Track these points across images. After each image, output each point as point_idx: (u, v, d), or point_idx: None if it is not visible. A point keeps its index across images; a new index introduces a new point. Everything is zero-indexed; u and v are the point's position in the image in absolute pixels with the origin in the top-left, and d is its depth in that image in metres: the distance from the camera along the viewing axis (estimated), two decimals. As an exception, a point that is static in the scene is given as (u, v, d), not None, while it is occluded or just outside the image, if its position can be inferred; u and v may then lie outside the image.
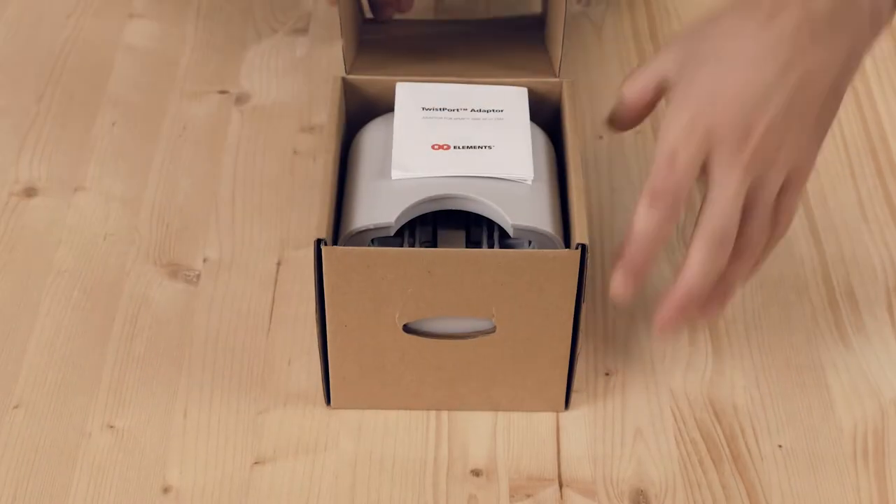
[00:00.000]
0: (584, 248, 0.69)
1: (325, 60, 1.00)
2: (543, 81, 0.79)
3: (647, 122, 0.95)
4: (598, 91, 0.98)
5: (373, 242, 0.72)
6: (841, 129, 0.95)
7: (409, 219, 0.72)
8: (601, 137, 0.94)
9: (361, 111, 0.80)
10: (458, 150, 0.75)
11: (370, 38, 0.85)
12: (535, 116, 0.79)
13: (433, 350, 0.72)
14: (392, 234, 0.71)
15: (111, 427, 0.75)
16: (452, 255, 0.69)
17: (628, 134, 0.94)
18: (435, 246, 0.74)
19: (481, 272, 0.69)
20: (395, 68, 0.81)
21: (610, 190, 0.90)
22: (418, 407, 0.75)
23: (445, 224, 0.75)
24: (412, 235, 0.74)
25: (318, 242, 0.69)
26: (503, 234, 0.72)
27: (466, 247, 0.74)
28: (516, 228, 0.71)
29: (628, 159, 0.93)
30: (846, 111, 0.96)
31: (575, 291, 0.70)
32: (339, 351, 0.73)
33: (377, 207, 0.72)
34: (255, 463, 0.73)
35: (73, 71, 0.99)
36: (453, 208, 0.73)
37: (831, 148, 0.94)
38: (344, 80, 0.79)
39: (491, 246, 0.73)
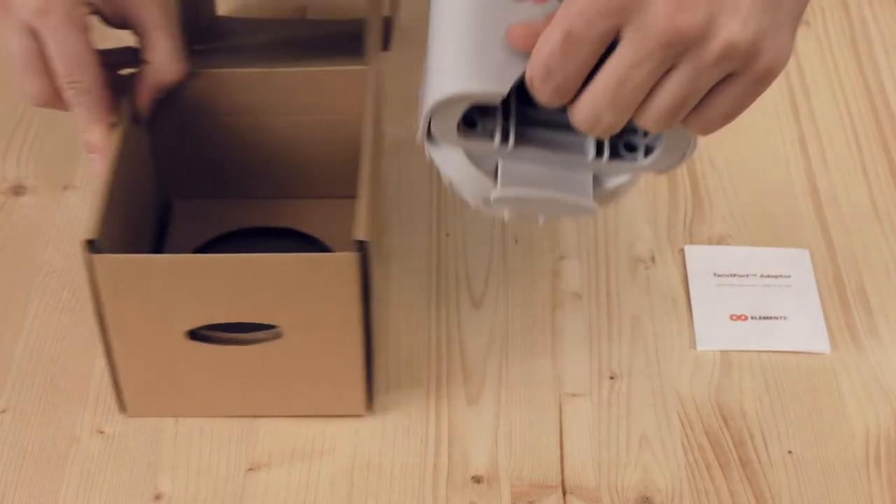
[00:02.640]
0: (364, 246, 0.66)
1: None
2: (351, 70, 0.77)
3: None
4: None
5: (469, 112, 0.58)
6: (853, 124, 0.94)
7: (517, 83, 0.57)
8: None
9: (165, 107, 0.77)
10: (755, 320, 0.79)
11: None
12: (344, 106, 0.78)
13: (221, 357, 0.71)
14: (499, 102, 0.57)
15: (101, 432, 0.73)
16: (226, 262, 0.67)
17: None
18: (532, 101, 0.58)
19: (259, 277, 0.67)
20: (213, 62, 0.80)
21: (614, 187, 0.88)
22: (218, 414, 0.74)
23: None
24: (506, 115, 0.60)
25: (89, 245, 0.66)
26: None
27: None
28: None
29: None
30: (858, 106, 0.95)
31: (359, 293, 0.68)
32: (124, 359, 0.71)
33: (487, 68, 0.56)
34: (250, 469, 0.72)
35: (63, 65, 0.97)
36: None
37: (842, 144, 0.92)
38: None
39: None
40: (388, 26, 0.96)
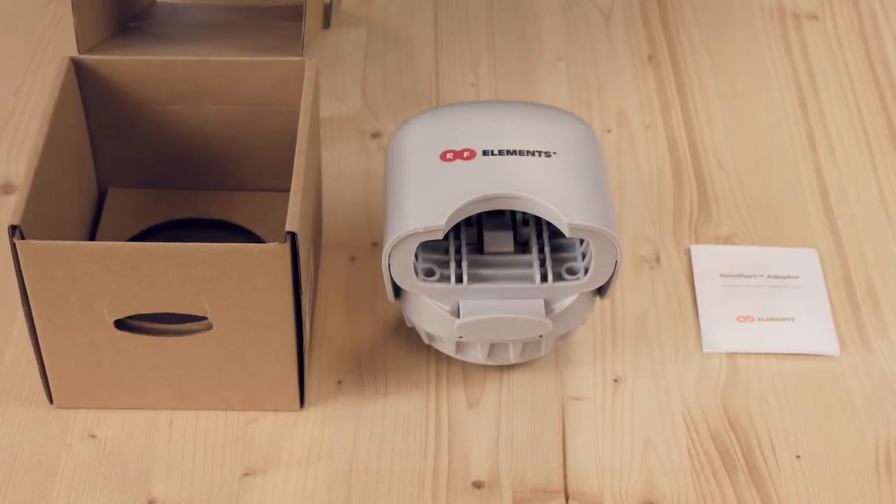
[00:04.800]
0: (293, 237, 0.65)
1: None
2: (288, 60, 0.76)
3: (657, 115, 0.92)
4: (605, 81, 0.95)
5: (427, 265, 0.71)
6: (862, 120, 0.92)
7: (459, 219, 0.69)
8: (609, 131, 0.91)
9: (100, 94, 0.77)
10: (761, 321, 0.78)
11: (134, 22, 0.84)
12: (280, 98, 0.77)
13: (150, 347, 0.70)
14: (442, 236, 0.68)
15: (93, 437, 0.72)
16: (155, 250, 0.66)
17: (638, 127, 0.91)
18: (481, 249, 0.72)
19: (188, 267, 0.66)
20: (140, 50, 0.78)
21: (619, 186, 0.87)
22: (148, 406, 0.73)
23: (491, 225, 0.73)
24: (457, 238, 0.72)
25: (12, 231, 0.65)
26: (553, 234, 0.69)
27: (514, 247, 0.72)
28: (573, 227, 0.68)
29: (638, 154, 0.89)
30: (867, 102, 0.94)
31: (290, 286, 0.67)
32: (52, 348, 0.70)
33: (427, 210, 0.69)
34: (245, 475, 0.71)
35: (52, 61, 0.96)
36: (506, 208, 0.70)
37: (851, 140, 0.91)
38: (75, 61, 0.76)
39: (541, 247, 0.70)
40: (328, 8, 0.96)
